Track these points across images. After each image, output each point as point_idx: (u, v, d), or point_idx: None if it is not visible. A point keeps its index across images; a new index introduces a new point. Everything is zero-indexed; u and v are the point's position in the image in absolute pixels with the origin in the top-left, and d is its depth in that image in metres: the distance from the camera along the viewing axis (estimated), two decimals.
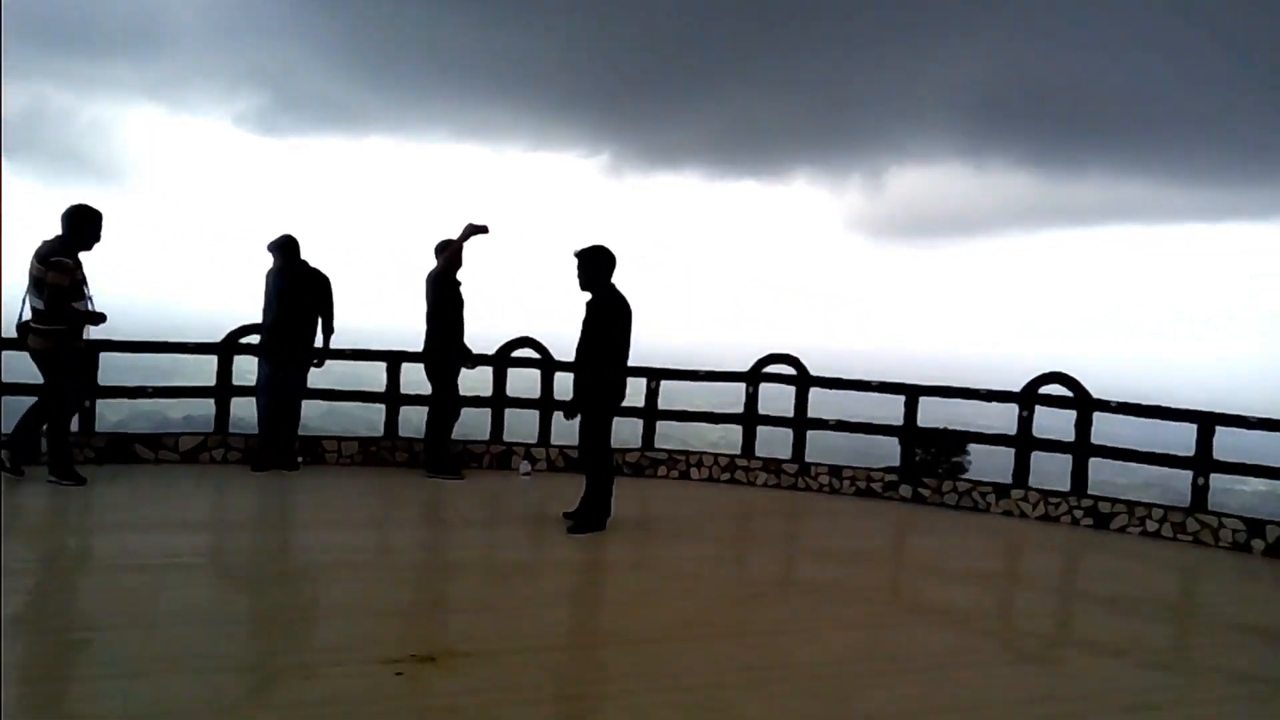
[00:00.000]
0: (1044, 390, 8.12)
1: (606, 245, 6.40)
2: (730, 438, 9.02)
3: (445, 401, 8.03)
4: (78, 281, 6.58)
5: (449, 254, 7.84)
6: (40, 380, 6.83)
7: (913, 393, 8.47)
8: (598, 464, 6.43)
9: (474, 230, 7.77)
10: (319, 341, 7.96)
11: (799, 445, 8.73)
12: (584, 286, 6.37)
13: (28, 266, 6.59)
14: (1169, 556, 7.08)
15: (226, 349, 8.05)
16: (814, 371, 8.73)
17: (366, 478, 7.94)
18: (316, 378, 8.15)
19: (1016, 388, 8.20)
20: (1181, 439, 7.59)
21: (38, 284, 6.53)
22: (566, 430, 7.55)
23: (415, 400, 8.48)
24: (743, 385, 8.85)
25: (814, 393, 8.72)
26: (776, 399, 8.92)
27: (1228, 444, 7.38)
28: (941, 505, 8.25)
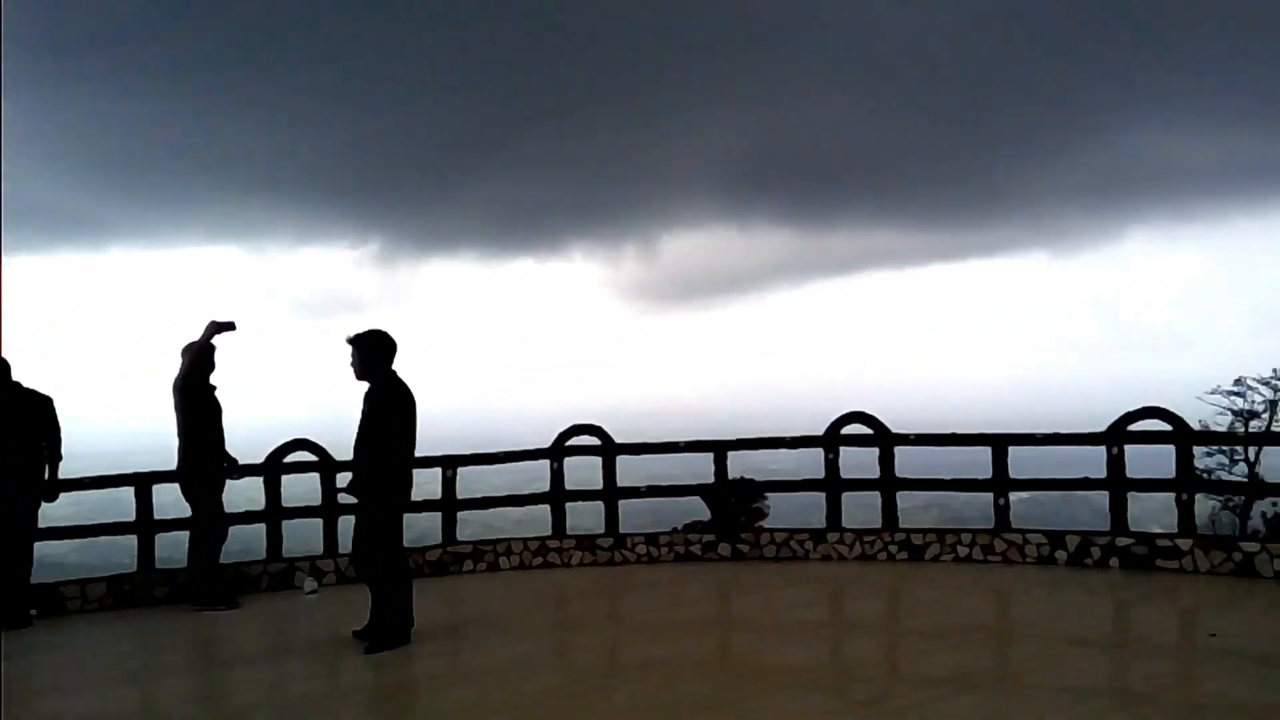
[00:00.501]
0: (846, 430, 8.14)
1: (384, 330, 5.79)
2: (538, 518, 8.46)
3: (208, 521, 7.04)
4: None
5: (194, 355, 6.95)
6: None
7: (720, 448, 8.28)
8: (388, 566, 5.68)
9: (218, 328, 6.96)
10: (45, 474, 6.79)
11: (611, 517, 8.30)
12: (360, 375, 5.72)
13: None
14: (983, 579, 7.15)
15: None
16: (613, 437, 8.38)
17: (121, 623, 6.79)
18: (52, 513, 6.95)
19: (812, 430, 8.18)
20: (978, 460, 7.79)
21: None
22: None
23: (174, 525, 7.41)
24: (546, 462, 8.35)
25: (621, 460, 8.36)
26: (582, 470, 8.50)
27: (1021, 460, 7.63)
28: (761, 559, 8.04)
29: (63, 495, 6.94)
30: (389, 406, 5.61)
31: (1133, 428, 7.32)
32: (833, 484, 8.08)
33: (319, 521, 7.87)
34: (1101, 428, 7.38)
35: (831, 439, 8.10)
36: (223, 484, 7.21)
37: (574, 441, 8.39)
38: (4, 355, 6.81)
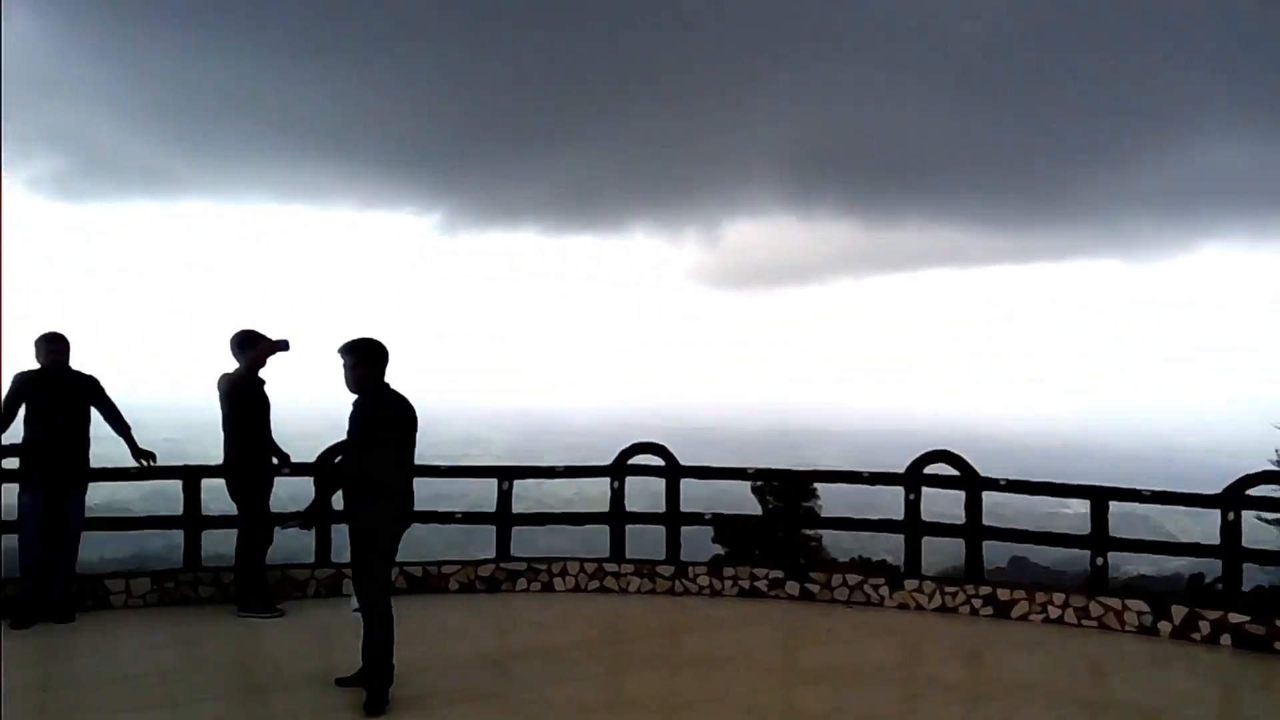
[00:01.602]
0: (930, 470, 7.59)
1: (376, 339, 5.19)
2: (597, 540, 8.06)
3: (253, 523, 6.75)
4: None
5: (249, 363, 6.65)
6: None
7: (798, 480, 7.79)
8: (371, 595, 5.03)
9: (273, 348, 6.67)
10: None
11: (673, 543, 7.86)
12: (353, 388, 5.12)
13: None
14: (1077, 646, 6.56)
15: None
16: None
17: (163, 623, 6.52)
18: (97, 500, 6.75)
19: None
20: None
21: None
22: (413, 544, 6.40)
23: (221, 523, 7.15)
24: (607, 480, 7.94)
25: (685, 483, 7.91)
26: (644, 493, 8.09)
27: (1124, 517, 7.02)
28: (832, 601, 7.53)
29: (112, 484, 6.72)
30: (376, 419, 5.13)
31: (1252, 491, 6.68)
32: (912, 527, 7.54)
33: None
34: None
35: (914, 478, 7.55)
36: (269, 484, 6.93)
37: (636, 460, 7.97)
38: (60, 332, 6.59)
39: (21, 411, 6.49)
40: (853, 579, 7.62)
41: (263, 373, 6.81)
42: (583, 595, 7.65)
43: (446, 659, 5.84)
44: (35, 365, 6.52)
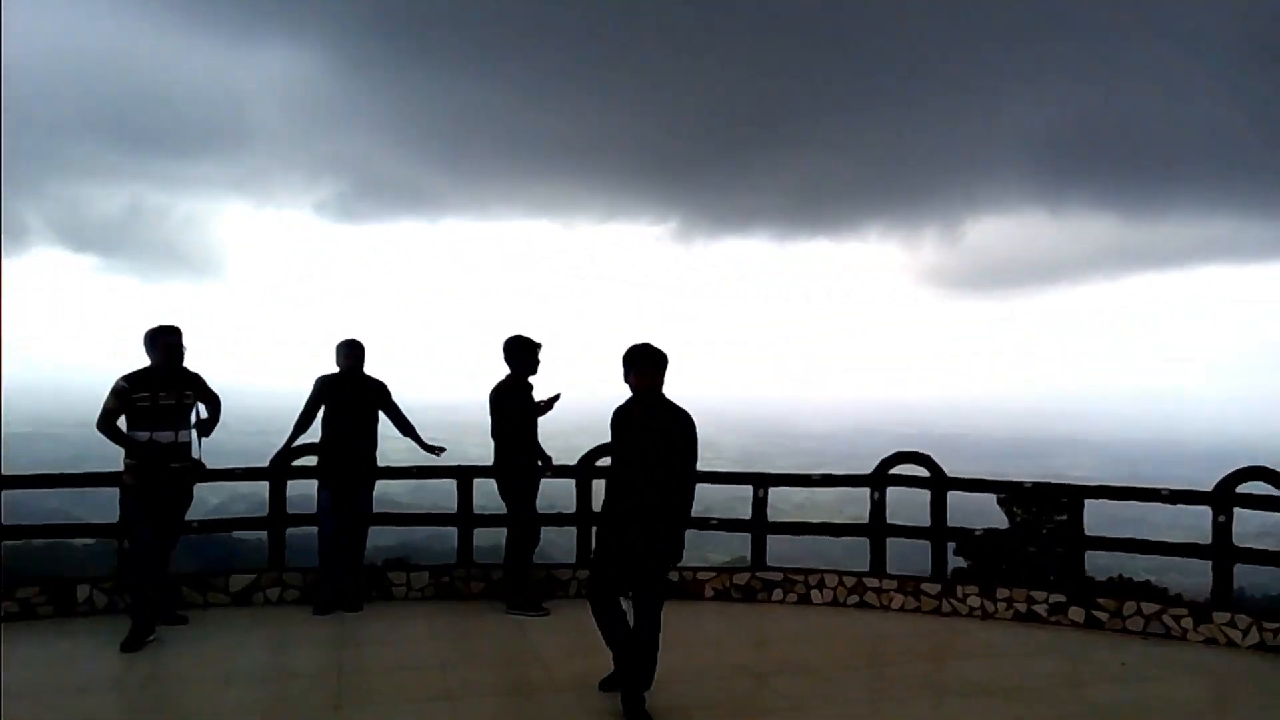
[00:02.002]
0: (1243, 489, 6.67)
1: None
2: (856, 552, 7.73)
3: (521, 524, 7.00)
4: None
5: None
6: None
7: (1076, 495, 7.10)
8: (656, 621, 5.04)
9: (547, 408, 7.06)
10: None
11: (939, 560, 7.40)
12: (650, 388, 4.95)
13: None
14: None
15: (279, 473, 7.17)
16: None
17: (440, 615, 6.91)
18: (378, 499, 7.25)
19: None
20: None
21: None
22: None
23: (491, 521, 7.49)
24: (866, 490, 7.60)
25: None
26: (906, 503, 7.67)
27: None
28: (1124, 631, 6.79)
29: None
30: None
31: None
32: (1222, 552, 6.64)
33: None
34: None
35: (1224, 498, 6.65)
36: (536, 486, 7.16)
37: (899, 470, 7.57)
38: (358, 339, 7.09)
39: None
40: (1149, 608, 6.82)
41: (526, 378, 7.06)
42: (841, 610, 7.36)
43: (704, 668, 5.78)
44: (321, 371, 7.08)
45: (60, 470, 6.97)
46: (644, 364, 4.98)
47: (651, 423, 4.91)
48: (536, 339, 7.00)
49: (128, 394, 5.96)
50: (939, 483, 7.41)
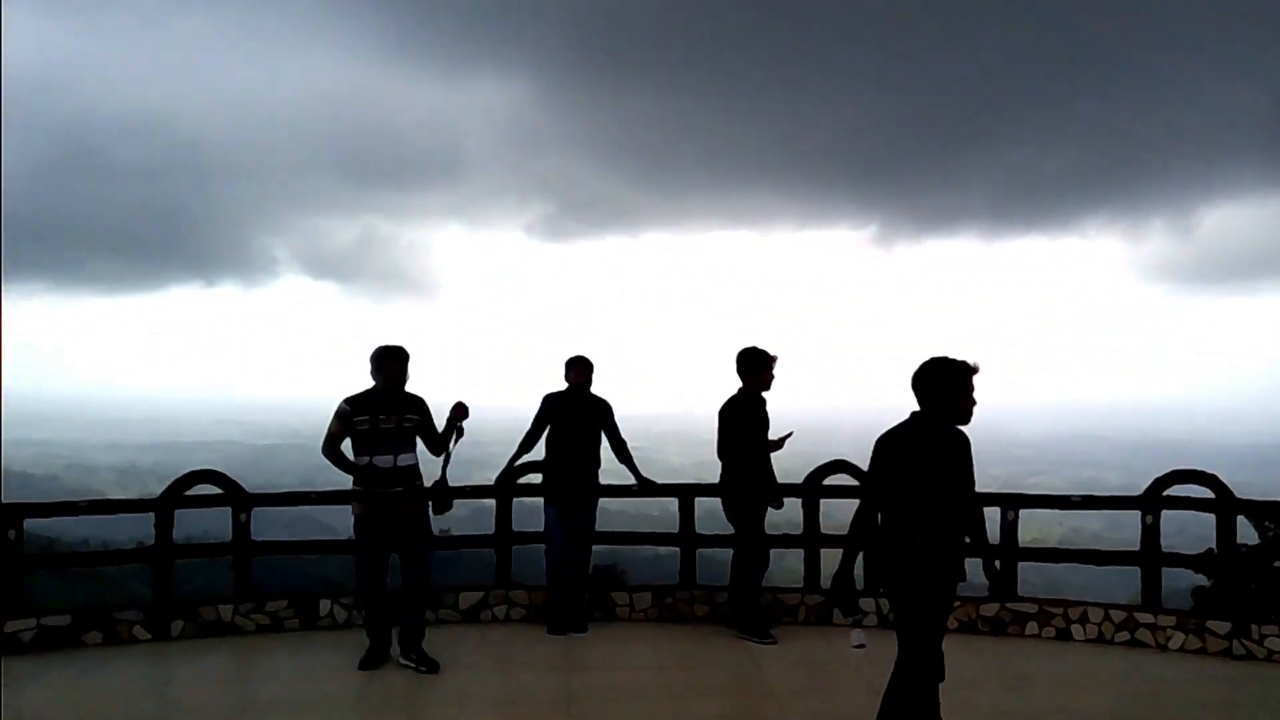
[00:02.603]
0: None
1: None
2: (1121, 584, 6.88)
3: (749, 546, 6.66)
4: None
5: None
6: None
7: None
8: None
9: (776, 446, 6.82)
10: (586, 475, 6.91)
11: (1226, 596, 6.43)
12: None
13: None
14: None
15: (504, 491, 7.17)
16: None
17: (665, 639, 6.67)
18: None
19: None
20: None
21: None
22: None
23: (714, 541, 7.19)
24: (1137, 513, 6.73)
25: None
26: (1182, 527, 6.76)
27: None
28: None
29: None
30: None
31: None
32: None
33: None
34: None
35: None
36: (765, 506, 6.81)
37: (1175, 491, 6.65)
38: (586, 356, 6.97)
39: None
40: None
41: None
42: (1108, 648, 6.53)
43: (957, 709, 5.20)
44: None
45: (299, 482, 7.26)
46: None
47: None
48: (771, 351, 6.66)
49: (349, 417, 5.81)
50: (1226, 505, 6.46)
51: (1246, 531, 8.25)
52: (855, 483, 7.08)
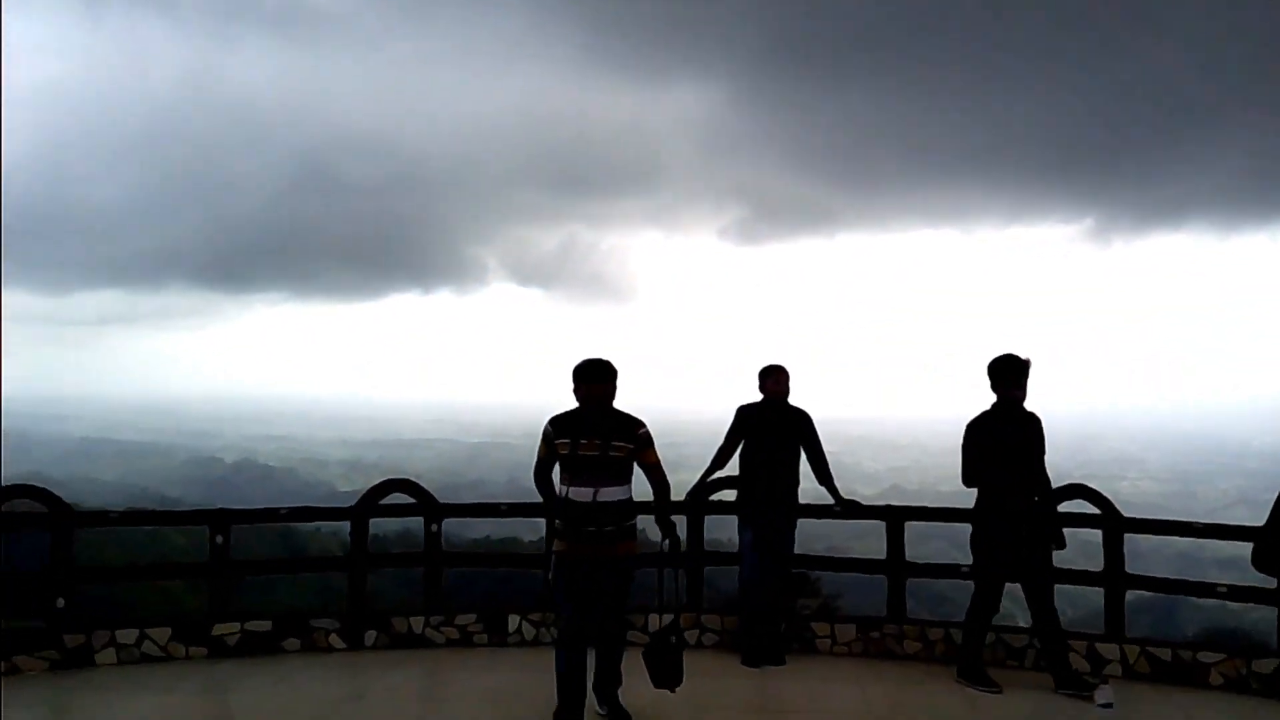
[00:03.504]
0: None
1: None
2: None
3: (988, 580, 5.88)
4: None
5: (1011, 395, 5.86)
6: None
7: None
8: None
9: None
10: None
11: None
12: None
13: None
14: None
15: (696, 508, 6.75)
16: None
17: (871, 680, 6.00)
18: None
19: None
20: None
21: None
22: (1151, 620, 4.96)
23: (926, 571, 6.49)
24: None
25: None
26: None
27: None
28: None
29: None
30: None
31: None
32: None
33: (1099, 590, 6.22)
34: None
35: None
36: (1014, 541, 5.82)
37: None
38: (783, 365, 6.47)
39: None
40: None
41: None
42: None
43: None
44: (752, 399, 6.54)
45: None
46: None
47: None
48: (1024, 356, 5.82)
49: (551, 439, 4.92)
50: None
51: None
52: (1096, 510, 6.19)
